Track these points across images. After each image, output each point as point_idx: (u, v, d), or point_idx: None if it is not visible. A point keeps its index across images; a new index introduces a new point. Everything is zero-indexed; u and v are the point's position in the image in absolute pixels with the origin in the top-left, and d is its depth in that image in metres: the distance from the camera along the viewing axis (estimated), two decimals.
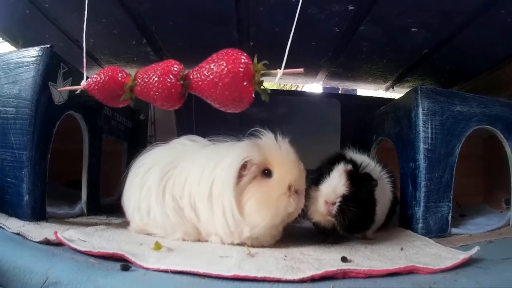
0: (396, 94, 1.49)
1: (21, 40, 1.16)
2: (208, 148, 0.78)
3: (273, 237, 0.72)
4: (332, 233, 0.75)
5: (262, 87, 0.56)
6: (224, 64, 0.54)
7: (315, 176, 0.76)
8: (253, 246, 0.69)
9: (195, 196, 0.71)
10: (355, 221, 0.69)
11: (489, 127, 0.93)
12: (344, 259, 0.60)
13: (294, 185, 0.68)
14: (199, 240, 0.74)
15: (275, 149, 0.70)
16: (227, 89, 0.54)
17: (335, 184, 0.71)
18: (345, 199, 0.70)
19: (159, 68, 0.58)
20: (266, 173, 0.69)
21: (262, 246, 0.70)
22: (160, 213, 0.74)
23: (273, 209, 0.66)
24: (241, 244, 0.69)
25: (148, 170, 0.79)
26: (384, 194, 0.83)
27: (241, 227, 0.67)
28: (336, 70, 1.35)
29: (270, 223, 0.67)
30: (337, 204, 0.69)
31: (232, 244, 0.70)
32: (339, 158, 0.78)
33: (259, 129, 0.73)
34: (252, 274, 0.50)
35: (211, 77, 0.54)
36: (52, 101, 0.81)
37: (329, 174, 0.73)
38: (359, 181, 0.72)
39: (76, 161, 0.99)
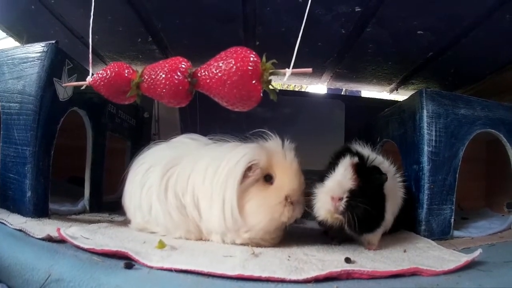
0: (400, 96, 1.48)
1: (25, 36, 1.15)
2: (212, 147, 0.77)
3: (270, 240, 0.71)
4: (338, 234, 0.72)
5: (270, 86, 0.55)
6: (233, 62, 0.53)
7: (322, 173, 0.72)
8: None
9: (198, 194, 0.71)
10: (364, 218, 0.64)
11: (492, 130, 0.93)
12: (347, 260, 0.60)
13: (291, 196, 0.69)
14: (201, 239, 0.74)
15: (280, 157, 0.71)
16: (235, 87, 0.53)
17: (341, 178, 0.65)
18: (352, 194, 0.64)
19: (166, 65, 0.58)
20: (267, 178, 0.70)
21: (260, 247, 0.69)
22: (162, 211, 0.74)
23: (269, 215, 0.68)
24: (244, 244, 0.69)
25: (148, 169, 0.79)
26: (394, 193, 0.78)
27: (237, 225, 0.67)
28: (341, 72, 1.35)
29: (265, 227, 0.68)
30: (345, 200, 0.64)
31: (235, 243, 0.70)
32: (345, 151, 0.73)
33: (266, 131, 0.72)
34: (257, 274, 0.50)
35: (219, 75, 0.54)
36: (56, 97, 0.80)
37: (334, 169, 0.68)
38: (367, 174, 0.67)
39: (79, 158, 0.99)
